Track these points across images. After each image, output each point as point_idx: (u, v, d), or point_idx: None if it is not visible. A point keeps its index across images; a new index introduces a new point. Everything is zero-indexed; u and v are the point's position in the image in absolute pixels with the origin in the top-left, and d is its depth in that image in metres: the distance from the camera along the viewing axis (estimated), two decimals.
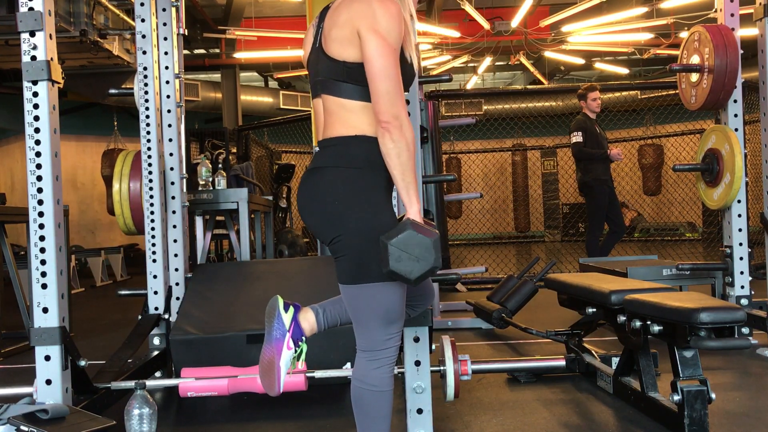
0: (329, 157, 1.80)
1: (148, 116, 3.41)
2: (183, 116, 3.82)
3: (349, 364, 2.82)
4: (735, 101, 3.87)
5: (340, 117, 1.80)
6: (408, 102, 2.47)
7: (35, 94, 2.36)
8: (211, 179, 5.04)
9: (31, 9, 2.32)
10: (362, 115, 1.77)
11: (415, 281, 1.68)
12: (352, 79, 1.76)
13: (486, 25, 10.39)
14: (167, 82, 3.53)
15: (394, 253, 1.65)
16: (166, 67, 3.53)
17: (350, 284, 1.77)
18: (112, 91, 3.78)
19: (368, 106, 1.76)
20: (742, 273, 3.86)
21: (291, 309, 1.97)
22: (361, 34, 1.71)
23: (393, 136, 1.68)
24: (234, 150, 8.65)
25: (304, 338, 1.97)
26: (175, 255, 3.50)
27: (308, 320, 1.99)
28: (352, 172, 1.76)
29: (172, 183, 3.53)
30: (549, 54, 11.89)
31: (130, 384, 2.66)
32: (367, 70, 1.70)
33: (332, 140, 1.81)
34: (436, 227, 1.80)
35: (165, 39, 3.54)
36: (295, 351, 1.95)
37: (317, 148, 1.88)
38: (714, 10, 3.97)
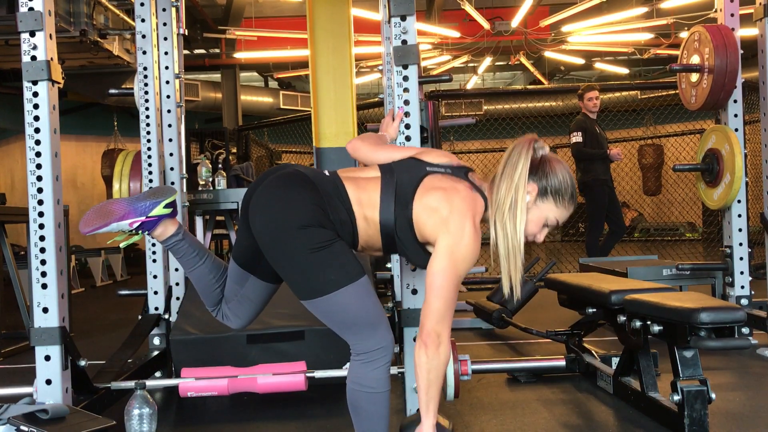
0: (326, 190, 1.80)
1: (148, 116, 3.41)
2: (183, 116, 3.82)
3: (348, 365, 2.82)
4: (735, 101, 3.87)
5: (362, 200, 1.82)
6: (408, 102, 2.47)
7: (35, 94, 2.36)
8: (211, 179, 5.04)
9: (31, 9, 2.32)
10: (367, 224, 1.82)
11: None
12: (396, 218, 1.80)
13: (486, 25, 10.39)
14: (167, 82, 3.53)
15: None
16: (166, 67, 3.53)
17: (313, 299, 1.76)
18: (112, 91, 3.78)
19: (377, 230, 1.81)
20: (742, 273, 3.86)
21: (169, 210, 1.98)
22: (439, 245, 1.74)
23: (429, 352, 1.70)
24: (234, 150, 8.66)
25: (146, 233, 1.98)
26: None
27: (165, 229, 2.00)
28: (328, 216, 1.77)
29: (172, 183, 3.53)
30: (549, 54, 11.89)
31: (130, 384, 2.66)
32: (427, 281, 1.74)
33: (343, 189, 1.83)
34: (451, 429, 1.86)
35: (165, 39, 3.54)
36: (130, 233, 1.97)
37: (327, 173, 1.88)
38: (714, 10, 3.97)
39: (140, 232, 1.99)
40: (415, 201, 1.80)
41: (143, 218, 1.95)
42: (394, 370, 2.67)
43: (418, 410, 1.87)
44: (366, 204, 1.82)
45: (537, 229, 1.87)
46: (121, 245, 2.03)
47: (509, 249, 1.80)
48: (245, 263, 1.99)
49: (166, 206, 1.98)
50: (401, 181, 1.84)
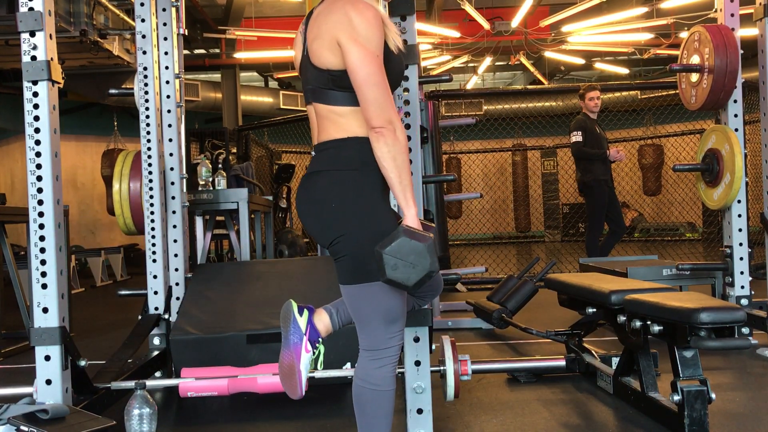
0: (324, 161, 1.82)
1: (148, 116, 3.41)
2: (183, 116, 3.82)
3: (348, 364, 2.82)
4: (735, 101, 3.87)
5: (332, 121, 1.81)
6: (408, 102, 2.47)
7: (35, 94, 2.36)
8: (211, 179, 5.04)
9: (31, 9, 2.32)
10: (352, 118, 1.79)
11: (414, 287, 1.69)
12: (338, 86, 1.78)
13: (486, 25, 10.39)
14: (167, 82, 3.53)
15: (389, 261, 1.66)
16: (166, 67, 3.53)
17: (350, 284, 1.78)
18: (112, 91, 3.78)
19: (357, 110, 1.78)
20: (742, 273, 3.86)
21: (305, 312, 1.98)
22: (342, 45, 1.72)
23: (387, 140, 1.69)
24: (234, 150, 8.65)
25: (320, 340, 1.98)
26: (175, 255, 3.50)
27: (323, 321, 2.00)
28: (348, 173, 1.78)
29: (172, 183, 3.53)
30: (549, 54, 11.89)
31: (130, 384, 2.66)
32: (353, 80, 1.71)
33: (326, 144, 1.82)
34: (435, 227, 1.80)
35: (165, 39, 3.54)
36: (314, 353, 1.96)
37: (314, 153, 1.89)
38: (714, 10, 3.97)
39: (317, 345, 1.98)
40: (315, 63, 1.78)
41: (305, 338, 1.95)
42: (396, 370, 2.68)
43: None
44: (336, 120, 1.80)
45: None
46: (319, 367, 2.02)
47: None
48: None
49: (300, 314, 1.97)
50: (310, 80, 1.83)
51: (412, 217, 1.72)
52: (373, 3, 1.80)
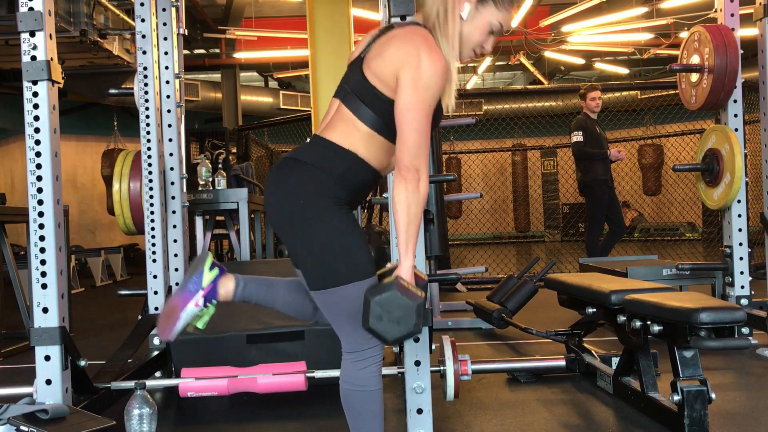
0: (314, 155, 1.80)
1: (148, 116, 3.41)
2: (183, 116, 3.82)
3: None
4: (735, 101, 3.87)
5: (346, 130, 1.80)
6: None
7: (35, 94, 2.36)
8: (211, 179, 5.05)
9: (31, 9, 2.32)
10: (366, 140, 1.79)
11: (392, 342, 1.68)
12: (373, 107, 1.77)
13: None
14: (167, 82, 3.52)
15: (375, 310, 1.63)
16: (166, 67, 3.53)
17: (318, 290, 1.77)
18: (112, 91, 3.78)
19: (374, 135, 1.78)
20: (742, 273, 3.86)
21: (216, 270, 1.96)
22: (400, 81, 1.71)
23: (408, 186, 1.68)
24: (234, 150, 8.65)
25: (214, 302, 1.96)
26: (175, 255, 3.50)
27: (226, 288, 1.98)
28: (327, 177, 1.77)
29: (172, 183, 3.53)
30: (549, 54, 11.90)
31: (130, 384, 2.66)
32: (397, 117, 1.71)
33: (326, 141, 1.81)
34: (428, 280, 1.79)
35: (165, 39, 3.54)
36: (201, 310, 1.95)
37: (309, 140, 1.88)
38: (714, 10, 3.97)
39: (209, 304, 1.96)
40: (367, 75, 1.77)
41: (202, 292, 1.94)
42: (393, 370, 2.68)
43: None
44: (349, 130, 1.80)
45: (483, 37, 1.85)
46: (201, 326, 2.00)
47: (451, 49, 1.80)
48: None
49: (210, 269, 1.96)
50: (352, 83, 1.82)
51: (407, 269, 1.70)
52: (446, 55, 1.78)
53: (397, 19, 2.43)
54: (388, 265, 1.89)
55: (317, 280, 1.77)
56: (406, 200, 1.67)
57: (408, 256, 1.70)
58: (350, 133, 1.79)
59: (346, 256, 1.74)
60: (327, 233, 1.74)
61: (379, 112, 1.77)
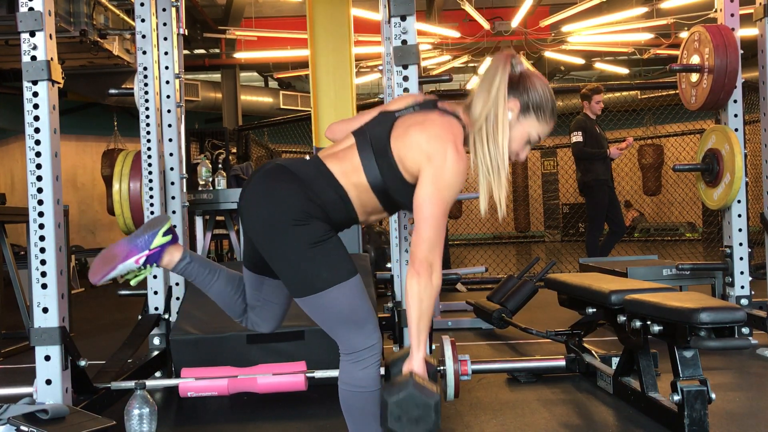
0: (309, 175, 1.81)
1: (148, 116, 3.41)
2: (183, 116, 3.82)
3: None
4: (735, 101, 3.87)
5: (346, 170, 1.82)
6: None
7: (35, 94, 2.36)
8: (211, 179, 5.04)
9: (31, 9, 2.32)
10: (360, 189, 1.81)
11: None
12: (383, 172, 1.79)
13: (486, 25, 10.39)
14: (167, 82, 3.53)
15: (393, 411, 1.63)
16: (166, 67, 3.53)
17: (305, 297, 1.77)
18: (112, 91, 3.78)
19: (370, 192, 1.80)
20: (742, 273, 3.86)
21: (169, 237, 1.98)
22: (424, 174, 1.72)
23: (421, 280, 1.69)
24: (234, 150, 8.65)
25: (155, 265, 1.98)
26: None
27: (172, 256, 2.00)
28: (312, 198, 1.77)
29: (172, 183, 3.53)
30: (549, 54, 11.89)
31: (130, 384, 2.66)
32: (415, 210, 1.72)
33: (325, 168, 1.82)
34: (437, 370, 1.78)
35: (165, 39, 3.54)
36: (139, 269, 1.96)
37: (308, 157, 1.88)
38: (714, 10, 3.97)
39: (148, 266, 1.98)
40: (392, 144, 1.79)
41: (147, 252, 1.95)
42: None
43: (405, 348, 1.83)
44: (350, 172, 1.81)
45: (520, 147, 1.85)
46: (133, 283, 2.02)
47: (491, 166, 1.78)
48: (256, 267, 1.98)
49: (165, 234, 1.97)
50: (374, 136, 1.83)
51: (419, 361, 1.71)
52: (492, 160, 1.78)
53: (397, 20, 2.44)
54: (399, 352, 1.89)
55: (300, 288, 1.76)
56: (418, 294, 1.69)
57: (420, 348, 1.71)
58: (350, 175, 1.81)
59: (325, 261, 1.74)
60: (305, 241, 1.74)
61: (387, 178, 1.79)
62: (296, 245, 1.74)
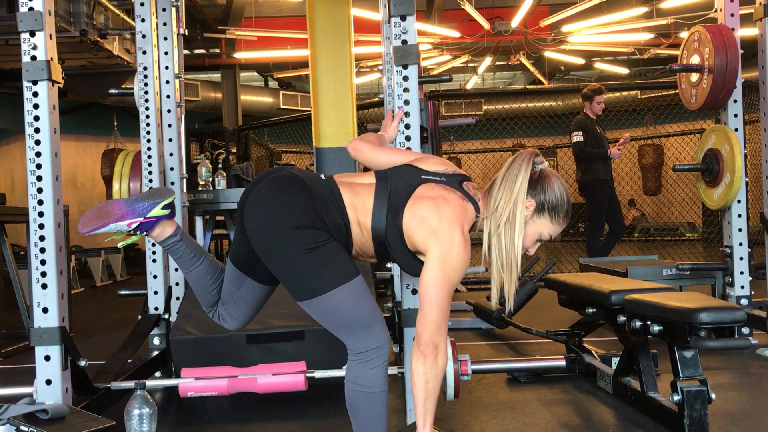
0: (322, 192, 1.82)
1: (148, 116, 3.41)
2: (183, 116, 3.82)
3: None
4: (735, 101, 3.87)
5: (356, 206, 1.83)
6: (408, 102, 2.47)
7: (35, 94, 2.36)
8: (211, 179, 5.04)
9: (31, 9, 2.32)
10: (362, 230, 1.83)
11: None
12: (388, 226, 1.81)
13: (486, 25, 10.40)
14: (167, 82, 3.53)
15: None
16: (166, 67, 3.53)
17: (308, 300, 1.77)
18: (112, 91, 3.78)
19: (369, 238, 1.82)
20: (742, 273, 3.86)
21: (167, 211, 2.00)
22: (429, 255, 1.73)
23: (427, 362, 1.69)
24: (234, 150, 8.65)
25: (144, 234, 2.00)
26: None
27: (163, 230, 2.02)
28: (321, 217, 1.78)
29: (172, 183, 3.53)
30: (549, 54, 11.90)
31: (130, 384, 2.66)
32: (421, 291, 1.73)
33: (338, 193, 1.84)
34: None
35: (165, 39, 3.54)
36: (128, 233, 1.99)
37: (323, 176, 1.89)
38: (714, 10, 3.97)
39: (138, 232, 2.00)
40: (406, 210, 1.80)
41: (141, 219, 1.97)
42: (393, 370, 2.68)
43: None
44: (360, 209, 1.83)
45: (530, 244, 1.87)
46: (119, 245, 2.05)
47: (505, 262, 1.81)
48: (242, 265, 1.99)
49: (164, 207, 1.99)
50: (395, 189, 1.84)
51: None
52: (505, 254, 1.81)
53: (397, 20, 2.44)
54: (407, 427, 1.92)
55: (303, 291, 1.77)
56: (424, 375, 1.69)
57: (426, 427, 1.73)
58: (358, 212, 1.83)
59: (327, 263, 1.74)
60: (306, 244, 1.74)
61: (390, 235, 1.81)
62: (297, 249, 1.74)
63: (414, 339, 1.74)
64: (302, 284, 1.76)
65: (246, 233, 1.85)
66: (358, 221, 1.83)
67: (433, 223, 1.75)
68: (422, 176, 1.87)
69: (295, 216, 1.75)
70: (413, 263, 1.84)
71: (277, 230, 1.76)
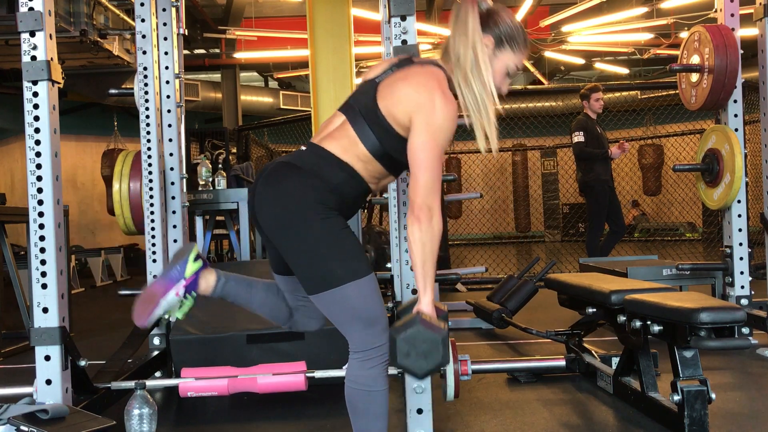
0: (311, 163, 1.82)
1: (148, 116, 3.40)
2: (183, 116, 3.82)
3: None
4: (735, 101, 3.87)
5: (346, 146, 1.82)
6: None
7: (35, 94, 2.35)
8: (211, 179, 5.05)
9: (31, 9, 2.32)
10: (363, 160, 1.82)
11: (422, 376, 1.70)
12: (379, 136, 1.80)
13: None
14: (167, 82, 3.52)
15: (402, 348, 1.66)
16: (166, 67, 3.53)
17: (319, 293, 1.77)
18: (112, 91, 3.78)
19: (373, 160, 1.81)
20: (742, 273, 3.86)
21: (199, 262, 1.98)
22: (414, 123, 1.74)
23: (422, 226, 1.70)
24: (234, 150, 8.65)
25: (194, 293, 1.98)
26: None
27: (207, 281, 2.00)
28: (322, 185, 1.78)
29: (172, 183, 3.53)
30: (549, 54, 11.90)
31: (130, 384, 2.66)
32: (410, 158, 1.74)
33: (325, 151, 1.83)
34: (446, 311, 1.82)
35: (165, 39, 3.54)
36: (181, 301, 1.97)
37: (304, 148, 1.89)
38: (714, 10, 3.97)
39: (188, 295, 1.97)
40: (380, 105, 1.80)
41: (183, 282, 1.95)
42: (393, 370, 2.68)
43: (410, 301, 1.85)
44: (349, 146, 1.82)
45: (501, 81, 1.89)
46: (180, 316, 2.01)
47: (481, 105, 1.82)
48: (285, 269, 1.97)
49: (195, 260, 1.98)
50: (362, 105, 1.84)
51: (427, 304, 1.72)
52: (477, 98, 1.82)
53: (397, 20, 2.44)
54: (408, 300, 1.90)
55: (315, 285, 1.77)
56: (420, 239, 1.70)
57: (426, 293, 1.73)
58: (350, 150, 1.82)
59: (340, 257, 1.74)
60: (321, 236, 1.75)
61: (384, 141, 1.80)
62: (311, 242, 1.75)
63: (407, 205, 1.73)
64: (316, 277, 1.76)
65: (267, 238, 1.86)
66: (357, 157, 1.82)
67: (410, 96, 1.77)
68: (377, 80, 1.87)
69: (300, 204, 1.76)
70: None
71: (286, 225, 1.77)
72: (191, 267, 1.96)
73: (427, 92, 1.75)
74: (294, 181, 1.79)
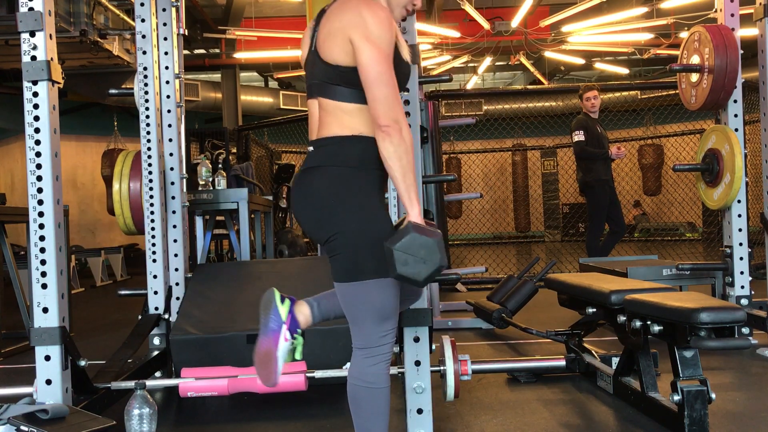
0: (323, 157, 1.82)
1: (148, 116, 3.41)
2: (183, 116, 3.82)
3: (348, 364, 2.82)
4: (735, 101, 3.87)
5: (337, 117, 1.82)
6: (408, 102, 2.48)
7: (35, 94, 2.36)
8: (211, 179, 5.04)
9: (31, 9, 2.32)
10: (358, 116, 1.81)
11: (424, 282, 1.70)
12: (346, 83, 1.79)
13: (486, 25, 10.39)
14: (167, 82, 3.52)
15: (399, 257, 1.66)
16: (166, 67, 3.53)
17: (345, 282, 1.79)
18: (112, 91, 3.78)
19: (363, 108, 1.79)
20: (742, 273, 3.86)
21: (287, 301, 1.98)
22: (354, 43, 1.74)
23: (393, 140, 1.70)
24: (234, 150, 8.65)
25: (299, 331, 1.97)
26: (175, 255, 3.50)
27: (303, 313, 2.00)
28: (346, 170, 1.79)
29: (172, 183, 3.53)
30: (549, 54, 11.89)
31: (130, 384, 2.66)
32: (363, 78, 1.73)
33: (327, 140, 1.83)
34: (437, 227, 1.81)
35: (165, 39, 3.54)
36: (292, 343, 1.96)
37: (311, 148, 1.89)
38: (714, 10, 3.97)
39: (295, 335, 1.97)
40: (328, 60, 1.80)
41: (285, 326, 1.95)
42: (393, 370, 2.68)
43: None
44: (344, 118, 1.82)
45: None
46: (298, 357, 2.00)
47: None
48: None
49: (281, 302, 1.97)
50: (318, 75, 1.84)
51: (416, 216, 1.73)
52: (384, 5, 1.84)
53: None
54: (397, 221, 1.90)
55: (345, 273, 1.78)
56: (395, 153, 1.70)
57: (413, 205, 1.73)
58: (341, 119, 1.82)
59: (376, 252, 1.74)
60: (358, 229, 1.76)
61: (352, 83, 1.79)
62: (350, 233, 1.76)
63: (374, 124, 1.73)
64: (348, 266, 1.77)
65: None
66: (356, 122, 1.81)
67: (337, 24, 1.78)
68: (312, 47, 1.87)
69: (329, 201, 1.78)
70: None
71: (323, 220, 1.79)
72: (283, 310, 1.96)
73: (350, 11, 1.76)
74: (320, 180, 1.81)
